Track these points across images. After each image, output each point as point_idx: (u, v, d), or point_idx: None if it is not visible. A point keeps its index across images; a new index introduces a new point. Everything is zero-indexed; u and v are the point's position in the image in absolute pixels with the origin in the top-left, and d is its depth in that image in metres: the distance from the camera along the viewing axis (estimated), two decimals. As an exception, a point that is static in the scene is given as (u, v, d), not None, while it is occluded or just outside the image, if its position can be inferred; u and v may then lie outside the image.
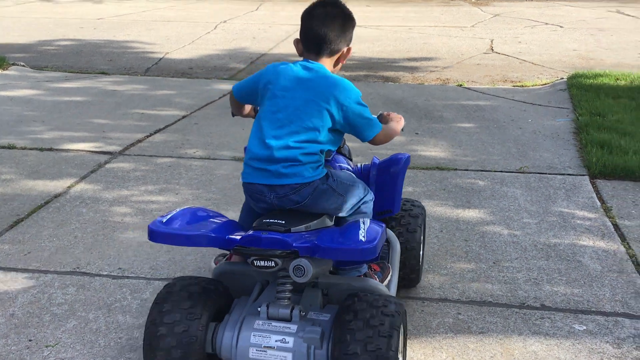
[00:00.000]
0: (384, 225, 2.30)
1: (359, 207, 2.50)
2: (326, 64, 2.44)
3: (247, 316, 2.29)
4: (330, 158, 2.65)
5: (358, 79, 7.97)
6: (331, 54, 2.44)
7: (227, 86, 7.47)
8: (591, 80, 7.12)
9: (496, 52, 9.42)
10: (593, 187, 4.40)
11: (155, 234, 2.22)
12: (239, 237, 2.22)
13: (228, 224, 2.36)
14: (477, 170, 4.72)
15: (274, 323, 2.24)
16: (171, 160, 4.93)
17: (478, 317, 2.94)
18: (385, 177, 2.78)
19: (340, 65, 2.51)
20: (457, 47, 9.77)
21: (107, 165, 4.82)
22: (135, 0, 15.03)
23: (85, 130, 5.66)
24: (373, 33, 10.69)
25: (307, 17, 2.45)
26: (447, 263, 3.42)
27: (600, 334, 2.81)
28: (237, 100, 2.61)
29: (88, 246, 3.59)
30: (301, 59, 2.48)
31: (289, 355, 2.18)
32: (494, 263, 3.42)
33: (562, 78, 7.58)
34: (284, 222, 2.25)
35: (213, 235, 2.23)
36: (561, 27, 11.31)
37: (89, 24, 11.87)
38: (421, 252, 3.05)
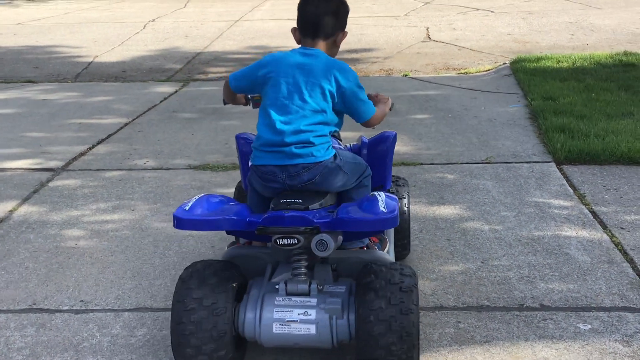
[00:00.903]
0: (396, 197, 2.42)
1: (361, 181, 2.61)
2: (322, 47, 2.54)
3: (266, 294, 2.36)
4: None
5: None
6: (326, 37, 2.55)
7: (167, 88, 7.08)
8: (534, 64, 7.11)
9: (434, 40, 9.34)
10: (562, 174, 4.31)
11: (183, 222, 2.28)
12: (260, 219, 2.29)
13: (244, 207, 2.43)
14: (444, 164, 4.57)
15: (294, 298, 2.31)
16: (121, 174, 4.55)
17: (479, 325, 2.75)
18: (375, 155, 2.84)
19: (337, 49, 2.63)
20: (394, 37, 9.65)
21: (51, 184, 4.40)
22: (54, 2, 14.27)
23: (20, 146, 5.19)
24: (308, 26, 10.43)
25: (303, 3, 2.57)
26: (434, 266, 3.23)
27: (607, 332, 2.68)
28: (232, 90, 2.65)
29: (42, 278, 3.22)
30: (298, 46, 2.58)
31: (312, 327, 2.27)
32: (482, 262, 3.25)
33: (505, 63, 7.55)
34: (300, 200, 2.36)
35: (235, 218, 2.31)
36: (492, 12, 11.37)
37: (8, 30, 11.14)
38: (409, 220, 3.19)
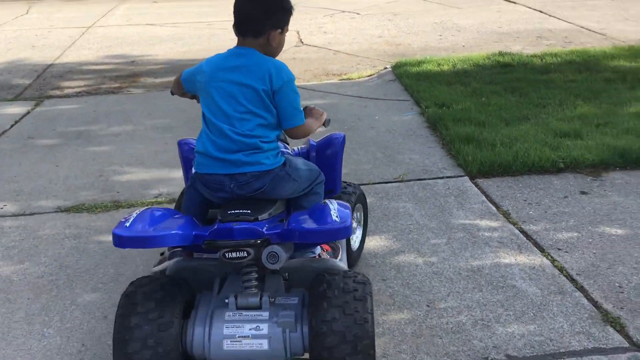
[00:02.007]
0: (348, 205, 2.33)
1: (312, 188, 2.49)
2: (255, 46, 2.35)
3: (215, 309, 2.23)
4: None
5: (170, 85, 6.99)
6: (256, 35, 2.34)
7: (17, 109, 6.10)
8: (416, 68, 6.89)
9: (307, 44, 8.93)
10: (479, 189, 4.02)
11: (124, 240, 2.13)
12: (207, 232, 2.18)
13: (190, 220, 2.29)
14: (354, 185, 4.13)
15: (244, 312, 2.21)
16: (-28, 224, 3.68)
17: (448, 391, 2.32)
18: (324, 158, 2.78)
19: (273, 48, 2.39)
20: (265, 42, 9.13)
21: None
22: None
23: None
24: (172, 32, 9.65)
25: (236, 0, 2.39)
26: (376, 316, 2.76)
27: (588, 384, 2.35)
28: (183, 86, 2.52)
29: None
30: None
31: (265, 342, 2.17)
32: (428, 306, 2.84)
33: (387, 68, 7.28)
34: (249, 211, 2.24)
35: (181, 232, 2.17)
36: (358, 14, 11.17)
37: None
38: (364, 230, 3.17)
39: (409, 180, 4.18)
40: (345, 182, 3.07)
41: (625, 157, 4.30)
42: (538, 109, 5.38)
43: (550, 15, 10.27)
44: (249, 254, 2.15)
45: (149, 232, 2.15)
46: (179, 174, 4.35)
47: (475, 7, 11.31)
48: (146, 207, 2.30)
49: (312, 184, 2.49)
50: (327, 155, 2.79)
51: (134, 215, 2.23)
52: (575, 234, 3.43)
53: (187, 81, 2.49)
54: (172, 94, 2.71)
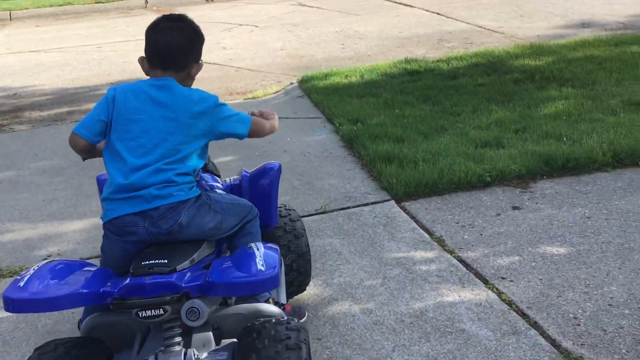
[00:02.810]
0: (277, 248, 2.10)
1: (244, 226, 2.32)
2: (175, 78, 2.19)
3: None
4: (197, 178, 2.30)
5: (59, 117, 6.34)
6: (178, 70, 2.21)
7: None
8: (323, 82, 6.55)
9: (207, 62, 8.39)
10: (407, 214, 3.70)
11: (16, 303, 1.82)
12: (116, 288, 1.91)
13: (99, 273, 2.00)
14: (273, 222, 3.70)
15: None
16: None
17: None
18: (259, 190, 2.59)
19: (191, 81, 2.28)
20: (161, 62, 8.55)
21: None
22: None
23: None
24: (57, 57, 8.87)
25: (152, 31, 2.23)
26: (316, 388, 2.36)
27: None
28: (88, 142, 2.19)
29: None
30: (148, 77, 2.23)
31: None
32: (373, 366, 2.46)
33: (293, 83, 6.91)
34: (166, 260, 1.98)
35: (85, 291, 1.89)
36: (257, 26, 10.75)
37: None
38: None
39: (332, 211, 3.80)
40: (286, 208, 2.88)
41: (550, 165, 4.11)
42: (453, 118, 5.16)
43: (447, 17, 10.25)
44: (165, 311, 1.88)
45: (47, 293, 1.85)
46: (72, 226, 3.80)
47: (374, 13, 11.15)
48: (47, 260, 1.95)
49: (243, 220, 2.31)
50: (261, 186, 2.60)
51: (31, 271, 1.92)
52: (517, 258, 3.16)
53: (95, 127, 2.18)
54: (84, 159, 2.36)
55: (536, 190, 3.90)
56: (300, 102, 6.15)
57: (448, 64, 6.88)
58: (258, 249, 2.02)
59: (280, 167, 2.68)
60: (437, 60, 7.08)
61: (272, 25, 10.76)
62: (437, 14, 10.58)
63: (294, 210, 2.89)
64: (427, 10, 10.87)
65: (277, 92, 6.76)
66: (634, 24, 8.76)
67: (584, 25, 9.03)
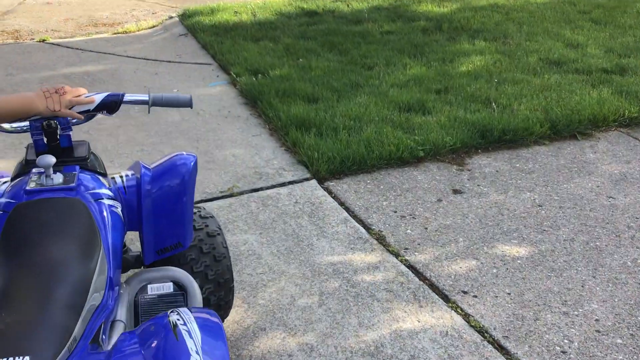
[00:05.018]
0: (219, 324, 1.28)
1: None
2: None
3: None
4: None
5: None
6: None
7: None
8: (210, 18, 5.58)
9: (64, -16, 7.04)
10: (335, 199, 3.01)
11: None
12: None
13: None
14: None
15: None
16: None
17: None
18: (165, 195, 1.80)
19: None
20: (8, -19, 7.05)
21: None
22: None
23: None
24: None
25: None
26: None
27: None
28: None
29: None
30: None
31: None
32: None
33: (172, 17, 5.85)
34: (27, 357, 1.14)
35: None
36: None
37: None
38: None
39: (242, 193, 3.02)
40: (197, 212, 2.09)
41: (485, 137, 3.57)
42: (366, 72, 4.47)
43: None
44: None
45: None
46: None
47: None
48: None
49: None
50: (170, 189, 1.80)
51: None
52: (474, 263, 2.59)
53: None
54: None
55: (474, 168, 3.35)
56: (184, 43, 5.16)
57: (348, 6, 6.13)
58: (189, 332, 1.23)
59: (196, 161, 1.86)
60: (336, 0, 6.30)
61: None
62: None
63: (211, 216, 2.09)
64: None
65: (153, 26, 5.69)
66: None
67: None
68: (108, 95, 1.66)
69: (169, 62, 4.74)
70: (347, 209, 2.93)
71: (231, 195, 2.99)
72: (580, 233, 2.80)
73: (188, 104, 1.76)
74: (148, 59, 4.79)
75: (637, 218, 2.92)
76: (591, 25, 5.70)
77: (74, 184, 1.57)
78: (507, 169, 3.33)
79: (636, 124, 3.84)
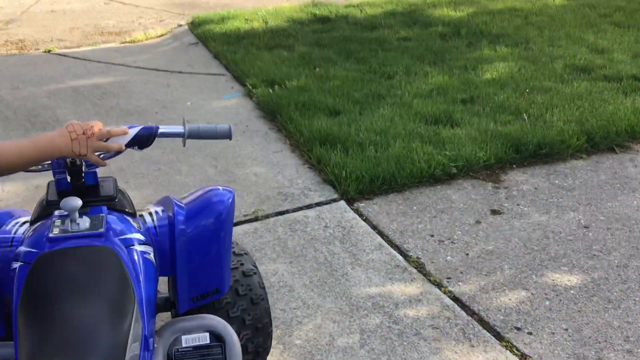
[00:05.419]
0: None
1: None
2: None
3: None
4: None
5: None
6: None
7: None
8: (220, 26, 5.38)
9: (68, -9, 6.85)
10: (367, 223, 2.80)
11: None
12: None
13: None
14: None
15: None
16: None
17: None
18: (202, 235, 1.59)
19: None
20: (10, -12, 6.86)
21: None
22: None
23: None
24: None
25: None
26: None
27: None
28: None
29: None
30: None
31: None
32: None
33: (181, 25, 5.65)
34: None
35: None
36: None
37: None
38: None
39: (267, 217, 2.82)
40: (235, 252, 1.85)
41: (520, 151, 3.37)
42: (386, 81, 4.27)
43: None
44: None
45: None
46: None
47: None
48: None
49: None
50: (206, 230, 1.60)
51: None
52: (524, 294, 2.38)
53: None
54: None
55: (511, 185, 3.14)
56: (195, 52, 4.96)
57: (361, 11, 5.93)
58: None
59: (233, 197, 1.67)
60: (348, 5, 6.11)
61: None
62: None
63: (245, 253, 1.89)
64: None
65: (162, 35, 5.49)
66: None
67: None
68: (142, 129, 1.45)
69: (180, 72, 4.54)
70: (381, 233, 2.72)
71: (256, 219, 2.78)
72: (632, 258, 2.59)
73: (227, 135, 1.57)
74: (159, 70, 4.60)
75: (692, 240, 2.71)
76: (614, 28, 5.50)
77: (102, 229, 1.38)
78: (546, 186, 3.13)
79: (676, 134, 3.64)
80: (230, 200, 1.65)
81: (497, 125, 3.58)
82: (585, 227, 2.81)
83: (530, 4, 6.24)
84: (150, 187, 3.01)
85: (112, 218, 1.46)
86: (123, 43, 5.35)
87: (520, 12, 5.95)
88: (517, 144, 3.38)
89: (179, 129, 1.53)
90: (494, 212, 2.91)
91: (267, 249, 2.59)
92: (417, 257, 2.58)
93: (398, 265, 2.52)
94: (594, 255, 2.61)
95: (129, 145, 1.44)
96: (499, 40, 5.16)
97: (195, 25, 5.42)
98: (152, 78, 4.43)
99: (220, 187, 1.70)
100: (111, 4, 6.56)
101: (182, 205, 1.65)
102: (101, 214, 1.44)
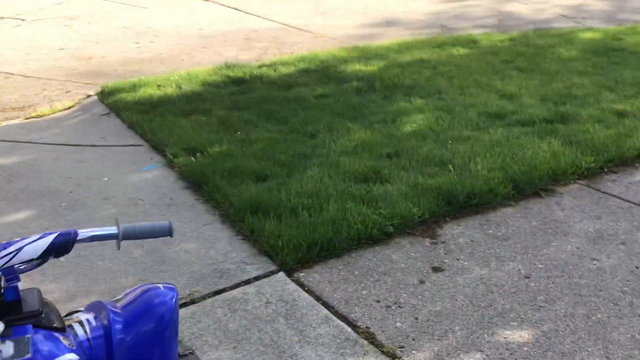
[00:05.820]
0: None
1: None
2: None
3: None
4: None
5: None
6: None
7: None
8: (132, 94, 5.19)
9: (-37, 66, 6.46)
10: (310, 294, 2.67)
11: None
12: None
13: None
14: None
15: None
16: None
17: None
18: (142, 342, 1.40)
19: None
20: None
21: None
22: None
23: None
24: None
25: None
26: None
27: None
28: None
29: None
30: None
31: None
32: None
33: (90, 95, 5.41)
34: None
35: None
36: (23, 19, 8.73)
37: None
38: None
39: (204, 298, 2.63)
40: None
41: (452, 203, 3.36)
42: (310, 141, 4.21)
43: (247, 13, 9.25)
44: None
45: None
46: None
47: (165, 7, 9.73)
48: None
49: None
50: (146, 335, 1.41)
51: None
52: (479, 357, 2.31)
53: None
54: None
55: (447, 239, 3.11)
56: (107, 123, 4.74)
57: (275, 70, 5.91)
58: None
59: (177, 296, 1.51)
60: (261, 65, 6.07)
61: (43, 18, 8.85)
62: (235, 9, 9.52)
63: (190, 352, 1.71)
64: (224, 5, 9.75)
65: (70, 107, 5.23)
66: (434, 22, 8.56)
67: (389, 23, 8.64)
68: (57, 236, 1.30)
69: (94, 146, 4.30)
70: (326, 304, 2.60)
71: (192, 302, 2.60)
72: (577, 305, 2.59)
73: (167, 232, 1.43)
74: (69, 145, 4.34)
75: (628, 281, 2.75)
76: (518, 74, 5.74)
77: (29, 355, 1.19)
78: (482, 237, 3.12)
79: (593, 174, 3.76)
80: (173, 299, 1.48)
81: (426, 178, 3.58)
82: (526, 277, 2.80)
83: (436, 54, 6.43)
84: (71, 278, 2.76)
85: (39, 338, 1.27)
86: (28, 118, 5.05)
87: (428, 63, 6.11)
88: (448, 196, 3.38)
89: (110, 230, 1.38)
90: (436, 269, 2.86)
91: (207, 335, 2.41)
92: (367, 327, 2.47)
93: (348, 339, 2.40)
94: (540, 306, 2.59)
95: (43, 256, 1.29)
96: (413, 92, 5.25)
97: (105, 95, 5.21)
98: (63, 154, 4.18)
99: (160, 285, 1.53)
100: (12, 77, 6.23)
101: (118, 311, 1.47)
102: (26, 336, 1.25)
